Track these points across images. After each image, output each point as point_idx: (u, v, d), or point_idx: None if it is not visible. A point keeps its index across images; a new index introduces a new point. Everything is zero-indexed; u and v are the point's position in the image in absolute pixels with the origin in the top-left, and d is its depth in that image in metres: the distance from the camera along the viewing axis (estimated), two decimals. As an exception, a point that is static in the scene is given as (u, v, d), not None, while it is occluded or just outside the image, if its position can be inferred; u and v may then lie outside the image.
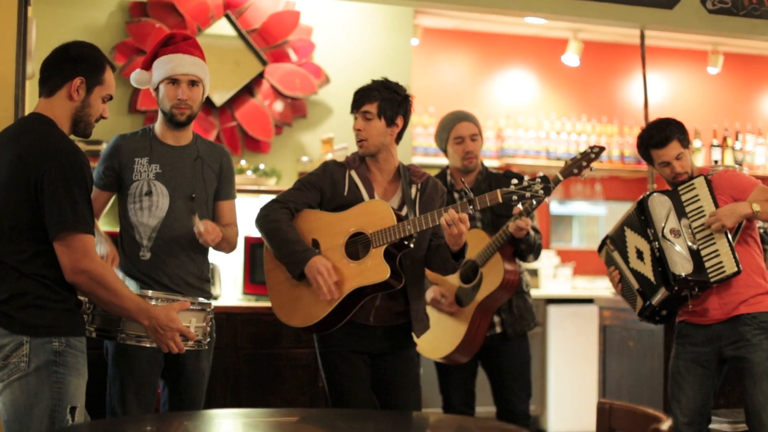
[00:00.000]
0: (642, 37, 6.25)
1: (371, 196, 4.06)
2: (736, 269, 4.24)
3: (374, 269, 3.92)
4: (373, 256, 3.93)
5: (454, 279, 4.72)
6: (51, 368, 3.13)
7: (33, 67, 4.34)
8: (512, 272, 4.68)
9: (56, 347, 3.14)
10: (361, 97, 4.10)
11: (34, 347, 3.12)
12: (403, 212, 4.06)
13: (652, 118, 6.69)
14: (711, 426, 4.81)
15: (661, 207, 4.39)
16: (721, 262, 4.26)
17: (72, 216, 3.12)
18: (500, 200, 3.84)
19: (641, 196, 4.48)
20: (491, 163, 7.42)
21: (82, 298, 3.32)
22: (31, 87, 4.08)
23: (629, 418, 2.73)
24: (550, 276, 7.91)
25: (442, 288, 4.75)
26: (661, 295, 4.36)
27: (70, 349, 3.17)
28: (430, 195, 4.15)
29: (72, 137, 3.33)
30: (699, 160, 8.21)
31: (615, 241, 4.57)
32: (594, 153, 4.40)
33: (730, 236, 4.28)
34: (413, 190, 4.13)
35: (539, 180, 3.84)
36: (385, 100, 4.07)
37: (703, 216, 4.30)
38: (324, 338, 4.08)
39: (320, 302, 3.95)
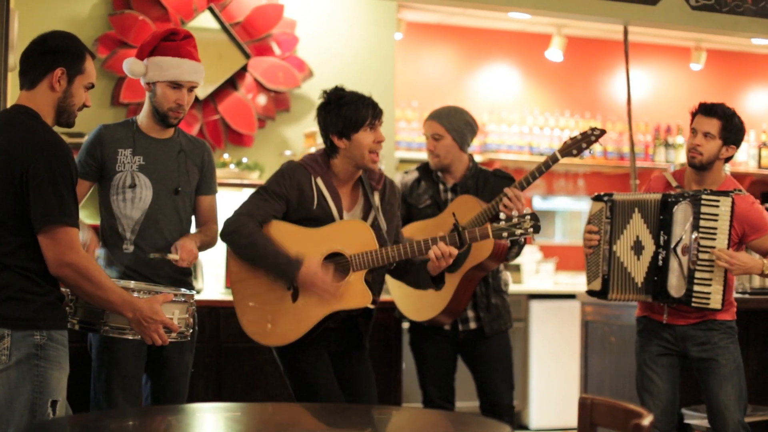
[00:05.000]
0: (625, 32, 6.28)
1: (339, 210, 4.03)
2: (718, 307, 4.20)
3: (356, 294, 3.94)
4: (355, 281, 3.94)
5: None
6: (32, 362, 3.11)
7: (15, 59, 4.32)
8: (502, 242, 4.56)
9: (37, 340, 3.12)
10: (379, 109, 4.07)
11: (16, 340, 3.10)
12: (369, 220, 4.06)
13: (635, 113, 6.75)
14: (690, 421, 4.85)
15: (684, 217, 4.23)
16: (709, 294, 4.19)
17: (57, 209, 3.10)
18: (490, 236, 3.93)
19: (666, 194, 4.31)
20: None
21: (64, 290, 3.31)
22: (13, 79, 4.06)
23: (611, 414, 2.74)
24: (532, 271, 7.91)
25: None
26: (639, 298, 4.35)
27: (52, 342, 3.15)
28: (389, 201, 4.17)
29: (55, 128, 3.31)
30: (681, 156, 8.25)
31: (615, 211, 4.35)
32: (594, 135, 4.39)
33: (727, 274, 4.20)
34: (376, 198, 4.12)
35: (529, 217, 3.91)
36: None
37: (713, 239, 4.18)
38: None
39: (299, 320, 3.95)
